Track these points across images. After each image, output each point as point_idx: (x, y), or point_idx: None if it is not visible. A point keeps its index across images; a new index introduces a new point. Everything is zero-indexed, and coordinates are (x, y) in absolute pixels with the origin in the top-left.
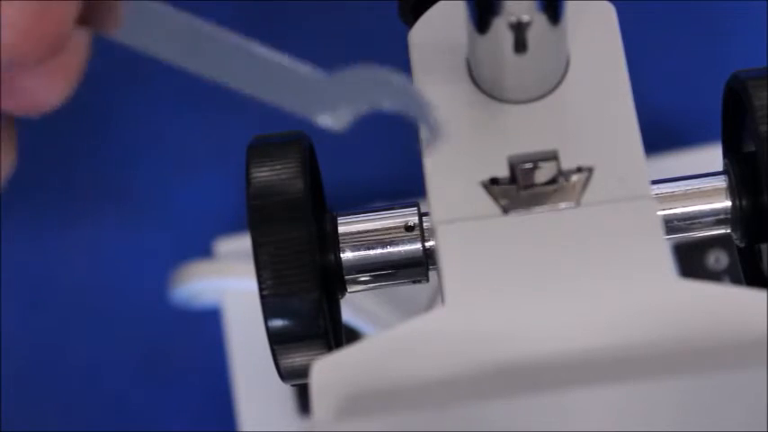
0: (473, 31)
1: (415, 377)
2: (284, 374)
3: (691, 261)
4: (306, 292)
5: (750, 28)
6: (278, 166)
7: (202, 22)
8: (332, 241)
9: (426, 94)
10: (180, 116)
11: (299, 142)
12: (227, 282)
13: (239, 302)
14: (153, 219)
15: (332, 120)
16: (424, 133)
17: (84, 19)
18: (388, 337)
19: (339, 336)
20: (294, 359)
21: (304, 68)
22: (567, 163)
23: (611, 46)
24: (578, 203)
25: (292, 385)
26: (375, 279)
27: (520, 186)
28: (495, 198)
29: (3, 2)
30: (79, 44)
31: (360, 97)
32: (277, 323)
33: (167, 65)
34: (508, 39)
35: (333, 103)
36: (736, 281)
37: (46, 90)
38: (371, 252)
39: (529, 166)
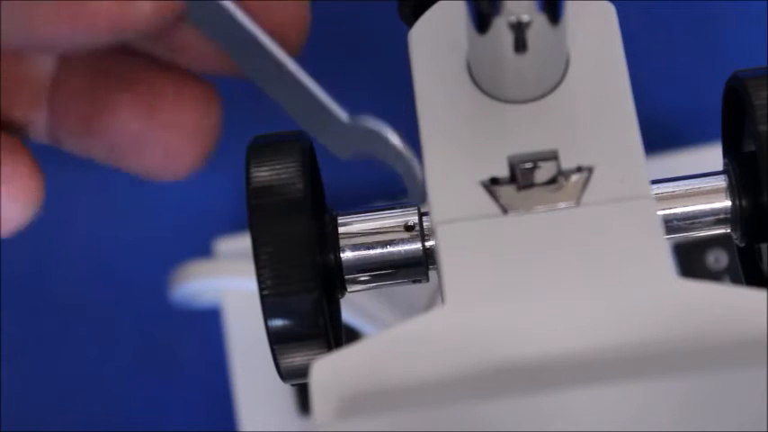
0: (473, 31)
1: (416, 377)
2: (284, 374)
3: (691, 261)
4: (306, 292)
5: (750, 28)
6: (278, 166)
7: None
8: (332, 241)
9: (427, 94)
10: None
11: (299, 142)
12: (226, 281)
13: (239, 302)
14: (152, 218)
15: (340, 154)
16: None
17: None
18: (388, 337)
19: (339, 336)
20: (294, 359)
21: (332, 106)
22: (566, 163)
23: (611, 46)
24: (578, 203)
25: (292, 385)
26: (375, 279)
27: (520, 186)
28: (495, 198)
29: None
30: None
31: (365, 146)
32: (277, 323)
33: None
34: (508, 38)
35: (345, 146)
36: (736, 281)
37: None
38: (371, 252)
39: (529, 165)
